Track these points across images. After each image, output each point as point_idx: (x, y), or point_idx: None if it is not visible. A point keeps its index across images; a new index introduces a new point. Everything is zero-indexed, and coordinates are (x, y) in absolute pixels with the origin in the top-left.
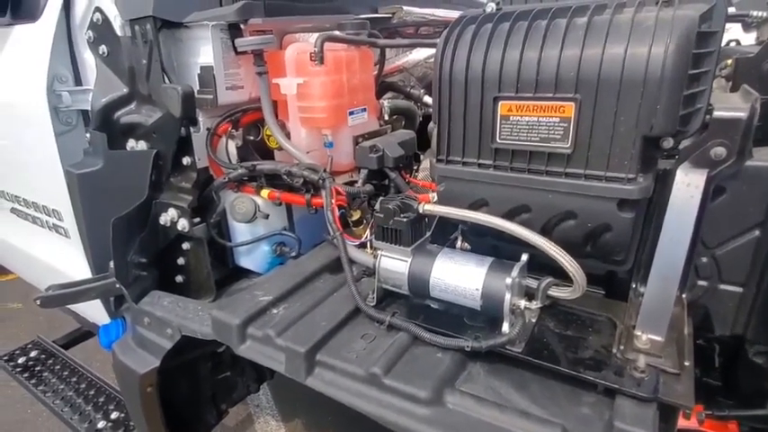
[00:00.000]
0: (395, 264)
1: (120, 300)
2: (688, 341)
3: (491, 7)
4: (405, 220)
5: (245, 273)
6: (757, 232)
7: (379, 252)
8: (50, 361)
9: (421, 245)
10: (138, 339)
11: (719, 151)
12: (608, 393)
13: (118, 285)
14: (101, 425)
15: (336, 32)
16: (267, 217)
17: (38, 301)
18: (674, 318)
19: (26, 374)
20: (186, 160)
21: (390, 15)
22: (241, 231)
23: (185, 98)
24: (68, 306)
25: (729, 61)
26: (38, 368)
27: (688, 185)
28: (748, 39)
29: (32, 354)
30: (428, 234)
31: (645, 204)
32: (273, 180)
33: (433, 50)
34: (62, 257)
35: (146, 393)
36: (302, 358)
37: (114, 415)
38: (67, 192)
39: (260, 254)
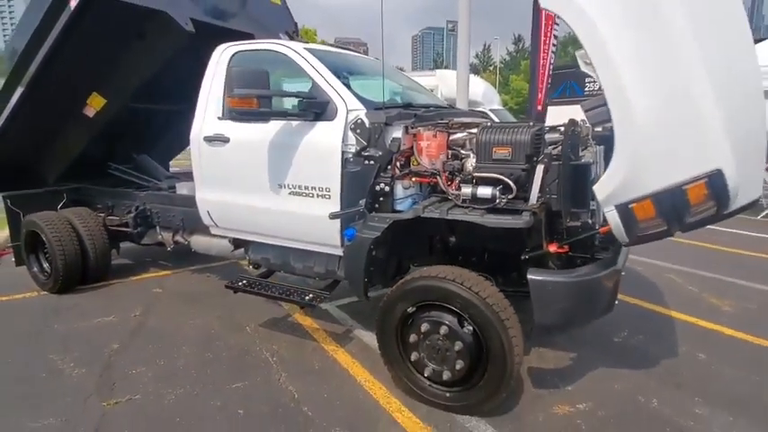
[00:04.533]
0: (467, 189)
1: (359, 217)
2: (542, 210)
3: (496, 120)
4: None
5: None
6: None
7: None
8: (255, 282)
9: None
10: (368, 228)
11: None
12: (521, 212)
13: (363, 210)
14: (306, 298)
15: (438, 128)
16: (412, 188)
17: (329, 217)
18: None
19: (247, 287)
20: (389, 167)
21: (449, 121)
22: (400, 194)
23: (399, 147)
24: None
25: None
26: (251, 285)
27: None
28: None
29: (241, 282)
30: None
31: (526, 173)
32: (416, 174)
33: (462, 134)
34: (324, 208)
35: (369, 249)
36: (446, 212)
37: (308, 297)
38: (340, 179)
39: (407, 202)
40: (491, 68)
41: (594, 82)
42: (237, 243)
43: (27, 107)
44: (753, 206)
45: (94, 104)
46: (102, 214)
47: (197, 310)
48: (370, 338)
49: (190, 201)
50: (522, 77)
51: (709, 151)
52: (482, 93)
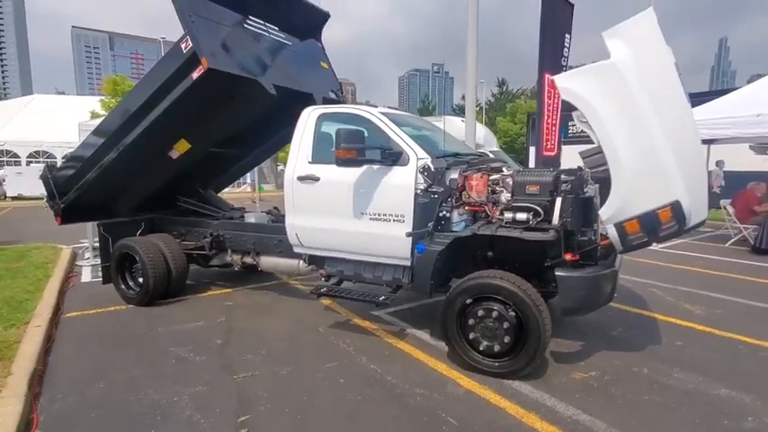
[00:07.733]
0: (509, 214)
1: (427, 236)
2: (561, 229)
3: (516, 169)
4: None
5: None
6: (567, 216)
7: (505, 213)
8: (334, 288)
9: None
10: (435, 243)
11: (565, 197)
12: (548, 230)
13: (430, 230)
14: (381, 298)
15: (482, 172)
16: (465, 215)
17: (408, 235)
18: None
19: (329, 293)
20: (448, 199)
21: (487, 166)
22: (456, 219)
23: (456, 185)
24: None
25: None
26: (332, 291)
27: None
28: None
29: (324, 289)
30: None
31: (550, 203)
32: (469, 204)
33: (497, 176)
34: (399, 230)
35: (436, 260)
36: (495, 230)
37: (382, 298)
38: (412, 208)
39: (462, 225)
40: (477, 109)
41: (575, 126)
42: (312, 260)
43: (126, 153)
44: (702, 225)
45: (180, 148)
46: (177, 240)
47: (270, 317)
48: (420, 334)
49: (261, 227)
50: (507, 119)
51: (671, 188)
52: (483, 136)
